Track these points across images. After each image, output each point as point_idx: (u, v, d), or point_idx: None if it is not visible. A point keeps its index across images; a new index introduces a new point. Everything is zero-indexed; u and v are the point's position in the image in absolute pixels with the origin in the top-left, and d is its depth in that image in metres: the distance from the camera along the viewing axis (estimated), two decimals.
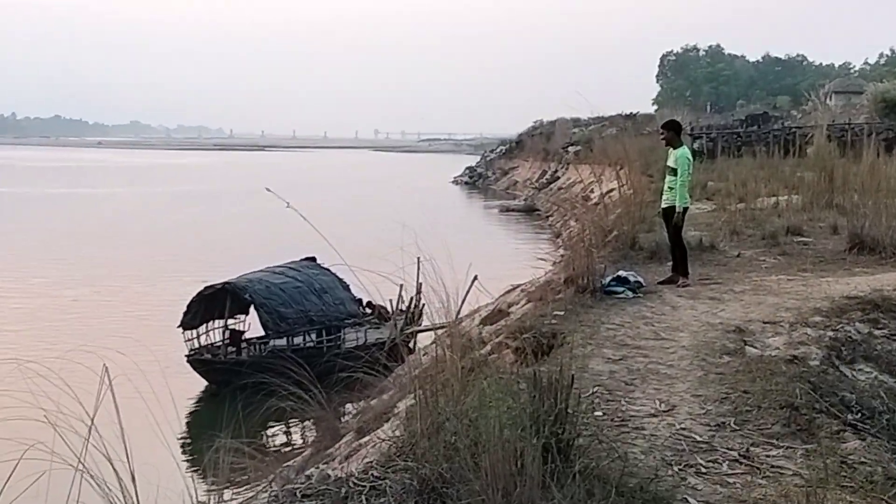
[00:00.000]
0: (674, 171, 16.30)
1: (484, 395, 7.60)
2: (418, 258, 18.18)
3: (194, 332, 23.21)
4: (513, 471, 6.41)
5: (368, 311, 25.38)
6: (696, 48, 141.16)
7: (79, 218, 57.65)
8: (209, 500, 7.25)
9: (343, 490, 7.38)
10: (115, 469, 4.08)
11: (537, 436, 6.73)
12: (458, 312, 12.18)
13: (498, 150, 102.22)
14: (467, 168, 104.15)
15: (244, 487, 12.27)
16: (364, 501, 7.00)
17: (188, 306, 22.96)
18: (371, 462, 8.19)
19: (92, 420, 4.06)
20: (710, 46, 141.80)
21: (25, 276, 35.86)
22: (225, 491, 9.24)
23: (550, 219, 52.43)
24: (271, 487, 10.47)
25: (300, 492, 7.54)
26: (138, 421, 4.74)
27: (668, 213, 16.47)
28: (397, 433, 8.91)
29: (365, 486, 7.34)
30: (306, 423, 15.91)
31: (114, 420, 4.21)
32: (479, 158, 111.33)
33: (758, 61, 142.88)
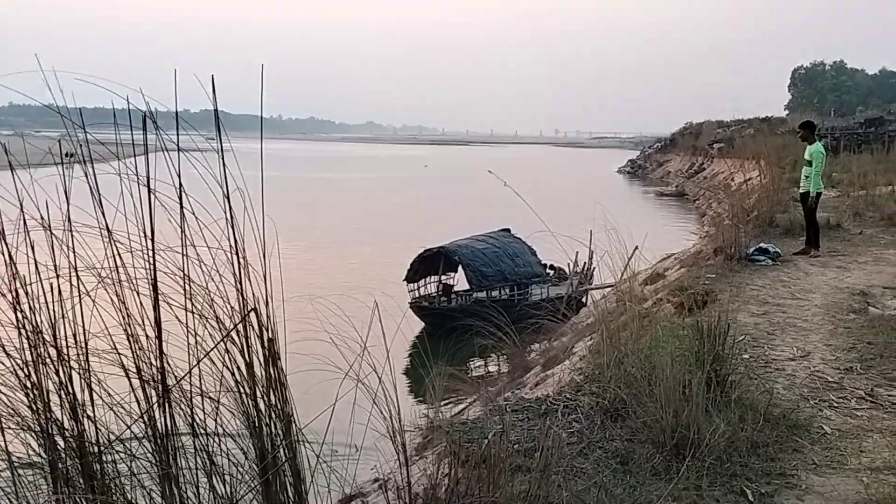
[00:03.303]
0: (809, 163, 16.03)
1: (656, 337, 7.54)
2: (590, 230, 18.13)
3: (414, 285, 23.65)
4: (681, 397, 6.33)
5: (551, 271, 25.47)
6: (822, 63, 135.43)
7: (330, 196, 58.80)
8: (429, 412, 7.40)
9: (543, 407, 7.43)
10: (380, 380, 4.15)
11: (700, 371, 6.63)
12: (623, 274, 12.19)
13: (654, 145, 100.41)
14: (629, 160, 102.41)
15: (456, 404, 12.45)
16: (560, 416, 7.02)
17: (411, 265, 23.41)
18: (563, 386, 8.19)
19: (364, 343, 4.14)
20: (834, 62, 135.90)
21: (304, 237, 36.66)
22: (442, 406, 9.46)
23: (697, 202, 51.18)
24: (479, 404, 10.70)
25: (510, 407, 7.62)
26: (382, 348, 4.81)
27: (804, 197, 16.20)
28: (582, 365, 8.91)
29: (560, 405, 7.37)
30: (502, 357, 15.92)
31: (380, 342, 4.25)
32: (638, 153, 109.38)
33: (875, 74, 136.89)
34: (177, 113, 3.00)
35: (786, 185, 22.99)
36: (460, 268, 23.68)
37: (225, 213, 3.11)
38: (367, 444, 4.44)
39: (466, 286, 23.76)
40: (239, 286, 3.10)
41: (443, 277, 24.22)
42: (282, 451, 3.15)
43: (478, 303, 21.06)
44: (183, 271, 3.11)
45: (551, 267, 25.49)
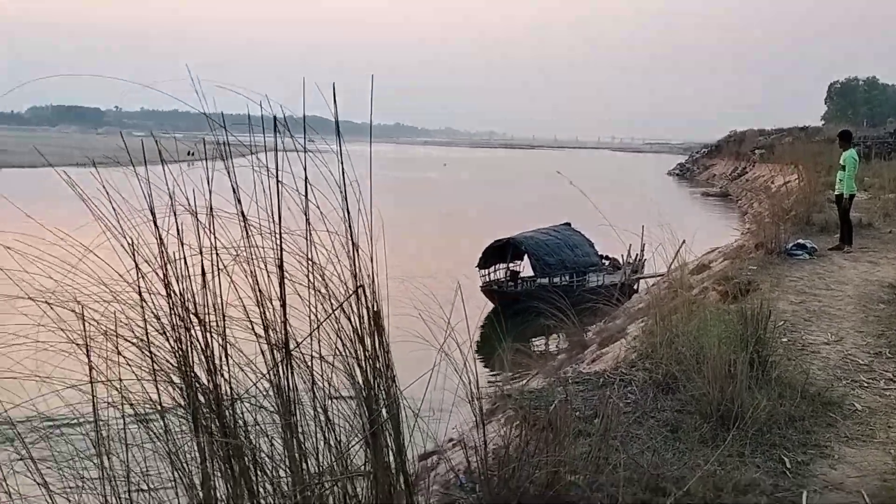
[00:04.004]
0: (843, 168, 15.73)
1: (705, 320, 7.50)
2: (642, 225, 17.99)
3: (485, 270, 23.71)
4: (726, 375, 6.31)
5: (606, 261, 25.35)
6: (856, 79, 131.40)
7: (416, 191, 58.72)
8: (496, 381, 7.48)
9: (601, 380, 7.44)
10: (460, 349, 4.20)
11: (744, 352, 6.59)
12: (671, 264, 12.15)
13: (701, 151, 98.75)
14: (678, 164, 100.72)
15: (522, 375, 12.49)
16: (616, 388, 7.02)
17: (483, 253, 23.46)
18: (619, 362, 8.19)
19: (448, 321, 4.19)
20: (867, 77, 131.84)
21: (397, 226, 36.52)
22: (509, 377, 9.55)
23: (739, 202, 50.22)
24: (542, 376, 10.77)
25: (571, 379, 7.65)
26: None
27: (839, 198, 15.86)
28: (635, 344, 8.89)
29: (616, 378, 7.37)
30: (562, 336, 15.87)
31: (457, 319, 4.29)
32: (687, 157, 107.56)
33: None
34: (304, 118, 3.12)
35: (821, 188, 22.53)
36: (526, 256, 23.70)
37: (341, 203, 3.20)
38: (445, 407, 4.49)
39: (531, 273, 23.77)
40: (352, 266, 3.20)
41: (510, 265, 24.25)
42: (384, 409, 3.23)
43: (541, 288, 21.07)
44: (307, 256, 3.22)
45: (606, 257, 25.38)
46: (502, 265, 24.23)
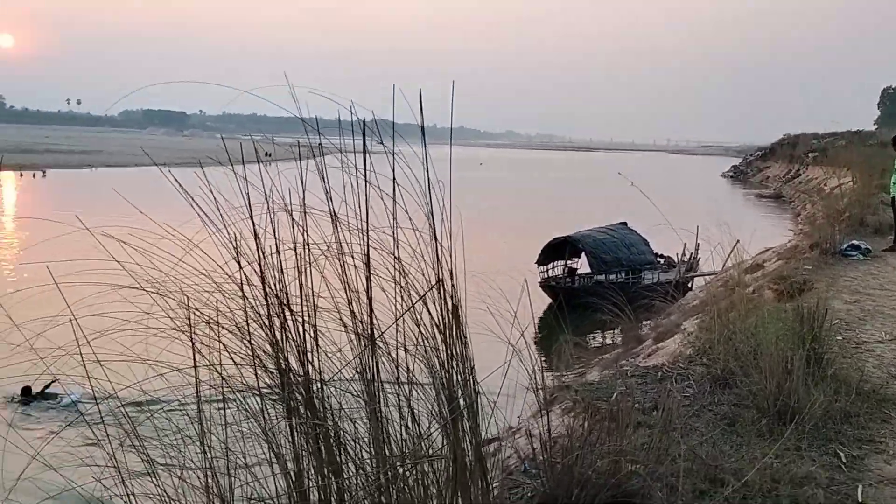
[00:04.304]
0: None
1: (762, 318, 7.38)
2: (697, 226, 17.74)
3: (544, 267, 23.71)
4: (783, 371, 6.20)
5: (661, 260, 25.12)
6: None
7: (482, 190, 58.48)
8: (554, 373, 7.44)
9: (659, 374, 7.38)
10: (525, 339, 4.17)
11: (800, 348, 6.47)
12: (725, 263, 12.00)
13: (755, 153, 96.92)
14: (732, 166, 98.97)
15: (578, 367, 12.42)
16: (674, 382, 6.96)
17: (542, 250, 23.48)
18: (676, 357, 8.11)
19: (515, 314, 4.18)
20: None
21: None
22: (567, 369, 9.49)
23: (792, 203, 49.11)
24: (599, 369, 10.73)
25: (629, 372, 7.60)
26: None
27: (894, 200, 15.38)
28: (692, 340, 8.79)
29: (674, 373, 7.30)
30: (617, 331, 15.76)
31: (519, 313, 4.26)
32: (741, 160, 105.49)
33: None
34: (394, 123, 3.17)
35: (875, 190, 21.94)
36: (583, 254, 23.62)
37: (427, 202, 3.24)
38: (504, 395, 4.47)
39: (588, 270, 23.69)
40: (435, 261, 3.24)
41: (568, 262, 24.20)
42: (463, 397, 3.26)
43: (597, 284, 20.98)
44: (393, 254, 3.27)
45: (661, 256, 25.18)
46: (560, 262, 24.21)
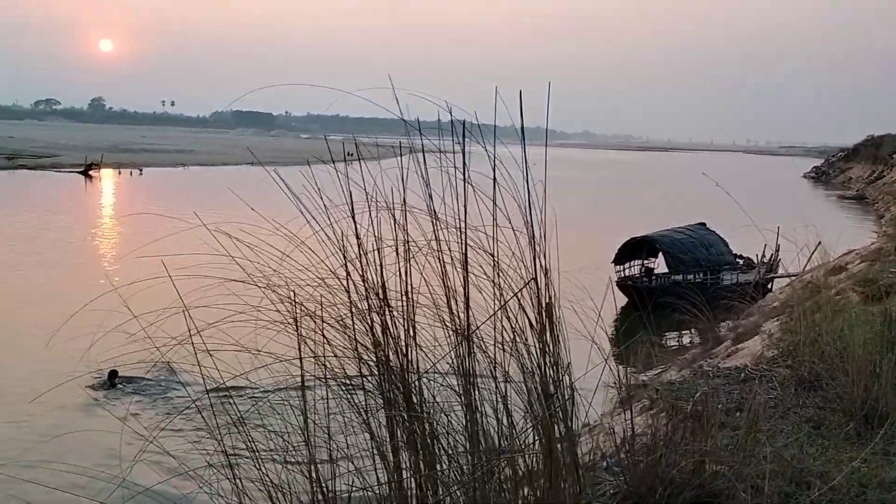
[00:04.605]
0: None
1: (849, 320, 7.15)
2: (778, 227, 17.26)
3: (621, 266, 23.47)
4: (870, 374, 5.98)
5: (740, 260, 24.59)
6: None
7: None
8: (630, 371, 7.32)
9: (742, 375, 7.21)
10: (605, 336, 4.09)
11: (889, 352, 6.23)
12: (807, 264, 11.65)
13: (837, 154, 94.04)
14: (813, 167, 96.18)
15: (657, 368, 12.24)
16: (757, 383, 6.79)
17: (619, 249, 23.26)
18: (758, 359, 7.92)
19: (599, 312, 4.11)
20: None
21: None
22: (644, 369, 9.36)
23: (876, 205, 47.37)
24: (676, 368, 10.57)
25: (711, 373, 7.46)
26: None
27: None
28: (773, 340, 8.57)
29: (757, 374, 7.13)
30: (694, 331, 15.48)
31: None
32: (822, 161, 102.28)
33: None
34: (495, 126, 3.18)
35: None
36: (660, 254, 23.32)
37: (525, 202, 3.24)
38: (584, 392, 4.40)
39: (665, 270, 23.37)
40: (531, 260, 3.24)
41: (645, 261, 23.93)
42: (558, 394, 3.25)
43: (675, 284, 20.66)
44: (492, 254, 3.28)
45: (740, 256, 24.67)
46: (637, 262, 23.94)
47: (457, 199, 3.20)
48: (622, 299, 21.73)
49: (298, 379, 3.31)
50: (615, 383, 4.99)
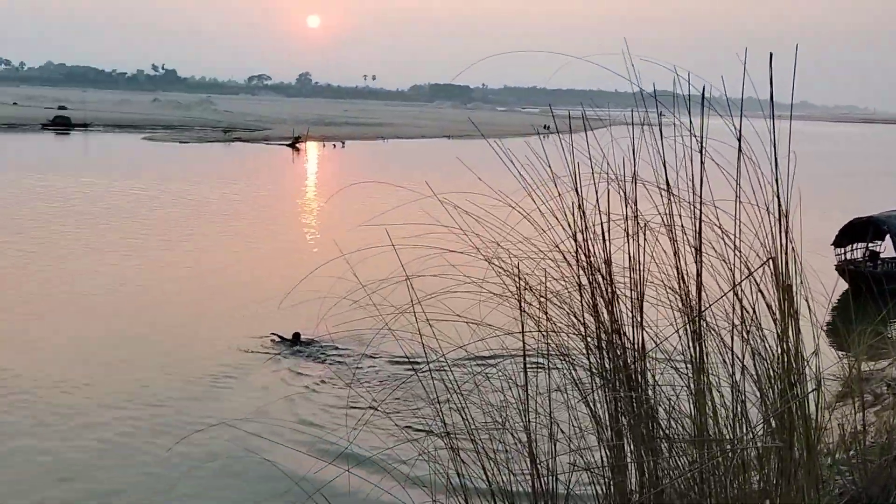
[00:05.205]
0: None
1: None
2: None
3: (841, 249, 21.89)
4: None
5: None
6: None
7: None
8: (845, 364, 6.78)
9: None
10: (821, 325, 3.71)
11: None
12: None
13: None
14: None
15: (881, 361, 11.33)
16: None
17: (840, 231, 21.67)
18: None
19: (829, 298, 3.76)
20: None
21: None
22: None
23: None
24: None
25: None
26: None
27: None
28: None
29: None
30: None
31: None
32: None
33: None
34: (742, 97, 2.97)
35: None
36: (888, 236, 21.50)
37: (773, 177, 3.02)
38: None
39: (894, 254, 21.57)
40: (781, 235, 3.02)
41: (870, 244, 22.17)
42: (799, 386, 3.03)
43: None
44: (727, 232, 3.10)
45: None
46: (861, 245, 22.23)
47: (690, 173, 3.03)
48: (842, 285, 20.27)
49: (514, 353, 3.30)
50: (837, 376, 4.65)
